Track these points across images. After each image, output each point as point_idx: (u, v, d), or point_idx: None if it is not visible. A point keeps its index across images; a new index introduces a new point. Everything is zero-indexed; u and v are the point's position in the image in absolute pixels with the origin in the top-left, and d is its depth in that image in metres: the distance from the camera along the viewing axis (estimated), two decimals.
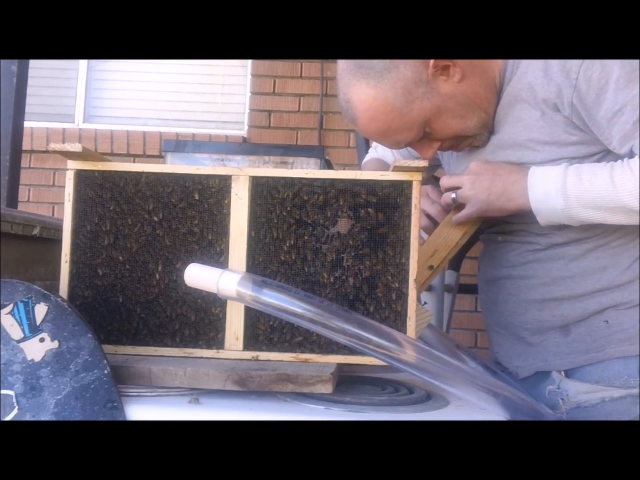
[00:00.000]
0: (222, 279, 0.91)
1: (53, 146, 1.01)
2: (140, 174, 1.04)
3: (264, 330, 1.02)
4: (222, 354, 1.02)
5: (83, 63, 3.83)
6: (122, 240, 1.04)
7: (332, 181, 1.02)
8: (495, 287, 1.30)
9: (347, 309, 0.94)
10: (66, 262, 1.04)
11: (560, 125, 1.13)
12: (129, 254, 1.04)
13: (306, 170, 1.06)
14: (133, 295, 1.03)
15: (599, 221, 1.10)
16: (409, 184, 1.01)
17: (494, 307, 1.31)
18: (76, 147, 1.00)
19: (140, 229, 1.04)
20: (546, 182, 1.11)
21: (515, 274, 1.25)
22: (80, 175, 1.05)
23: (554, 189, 1.10)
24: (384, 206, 1.01)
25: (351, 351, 0.98)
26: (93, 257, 1.04)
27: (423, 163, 0.98)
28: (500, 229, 1.27)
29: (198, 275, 0.94)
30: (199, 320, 1.03)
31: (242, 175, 1.03)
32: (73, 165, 1.05)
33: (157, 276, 1.03)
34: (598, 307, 1.18)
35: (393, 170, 1.02)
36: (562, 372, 1.20)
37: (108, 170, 1.05)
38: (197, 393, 0.92)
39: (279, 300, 0.89)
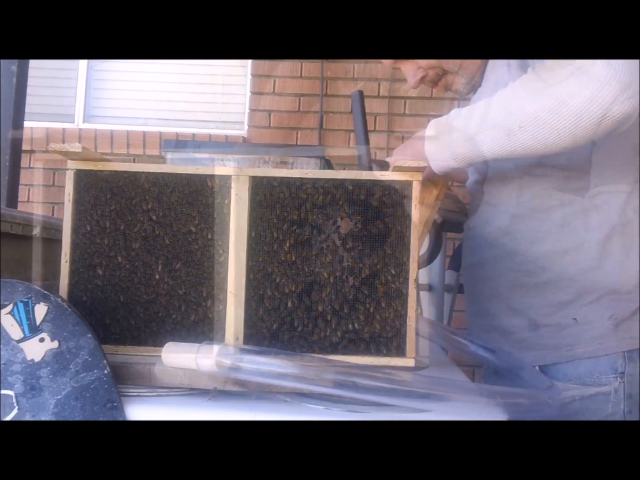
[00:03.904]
0: (200, 352, 0.87)
1: (53, 146, 1.01)
2: (140, 174, 1.04)
3: (264, 330, 1.01)
4: None
5: (83, 63, 3.84)
6: (122, 240, 1.04)
7: (332, 181, 1.02)
8: (474, 273, 1.31)
9: (330, 359, 0.92)
10: (66, 262, 1.04)
11: (519, 73, 1.14)
12: (129, 253, 1.04)
13: (306, 170, 1.06)
14: (133, 295, 1.03)
15: (474, 152, 1.11)
16: (409, 184, 1.01)
17: (472, 296, 1.33)
18: (76, 147, 1.00)
19: (140, 228, 1.04)
20: (437, 122, 1.17)
21: (488, 256, 1.26)
22: (80, 175, 1.05)
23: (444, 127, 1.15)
24: (384, 206, 1.01)
25: (351, 351, 0.98)
26: (93, 257, 1.04)
27: (423, 163, 0.99)
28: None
29: (175, 354, 0.89)
30: (199, 320, 1.03)
31: (242, 175, 1.03)
32: (73, 165, 1.05)
33: (157, 276, 1.03)
34: (565, 297, 1.17)
35: (393, 171, 1.02)
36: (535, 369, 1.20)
37: (108, 170, 1.05)
38: (195, 393, 0.92)
39: (261, 365, 0.83)
